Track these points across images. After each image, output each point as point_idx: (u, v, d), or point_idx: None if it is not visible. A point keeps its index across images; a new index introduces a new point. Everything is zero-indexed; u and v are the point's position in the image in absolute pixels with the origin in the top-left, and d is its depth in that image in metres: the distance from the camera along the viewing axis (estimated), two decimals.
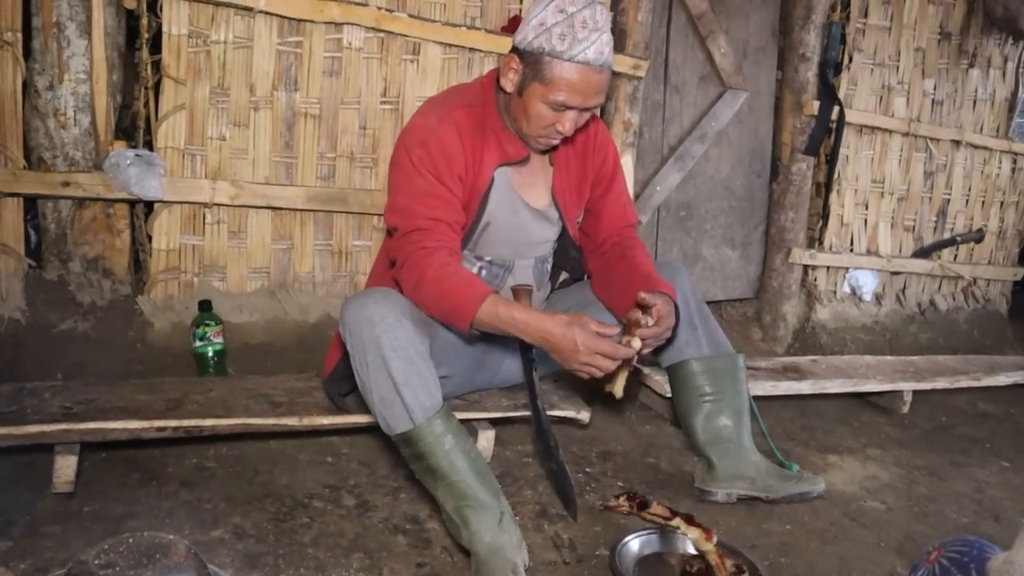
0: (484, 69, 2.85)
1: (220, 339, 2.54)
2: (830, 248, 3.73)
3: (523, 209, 2.07)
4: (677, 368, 2.25)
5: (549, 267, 2.24)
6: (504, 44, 2.83)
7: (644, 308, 1.88)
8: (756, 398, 2.63)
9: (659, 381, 2.65)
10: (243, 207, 2.67)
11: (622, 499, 2.06)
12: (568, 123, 1.88)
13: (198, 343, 2.51)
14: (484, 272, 2.11)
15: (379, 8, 2.68)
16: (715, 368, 2.23)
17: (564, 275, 2.35)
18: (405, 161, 1.91)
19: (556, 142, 1.99)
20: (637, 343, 1.83)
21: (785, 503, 2.20)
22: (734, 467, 2.20)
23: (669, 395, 2.43)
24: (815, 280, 3.74)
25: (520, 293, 2.03)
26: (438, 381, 1.83)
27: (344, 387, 2.12)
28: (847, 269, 3.81)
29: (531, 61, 1.83)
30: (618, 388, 1.95)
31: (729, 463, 2.20)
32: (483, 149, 1.96)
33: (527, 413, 2.24)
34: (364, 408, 2.12)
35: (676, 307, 1.97)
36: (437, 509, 1.96)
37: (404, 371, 1.76)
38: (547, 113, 1.86)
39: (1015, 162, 4.22)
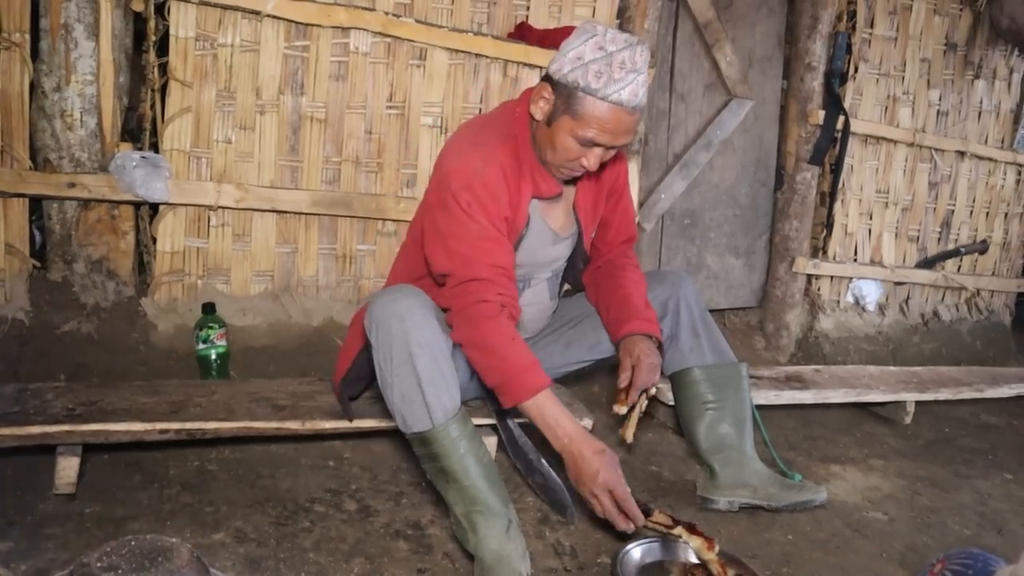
0: (490, 75, 2.86)
1: (223, 342, 2.54)
2: (834, 258, 3.73)
3: (548, 234, 2.07)
4: (680, 376, 2.26)
5: (560, 276, 2.25)
6: (511, 51, 2.84)
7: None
8: (759, 407, 2.63)
9: (662, 389, 2.65)
10: (248, 210, 2.67)
11: None
12: (594, 159, 1.86)
13: (201, 346, 2.51)
14: None
15: (386, 13, 2.68)
16: (718, 376, 2.23)
17: (566, 287, 2.36)
18: (454, 205, 1.85)
19: (578, 175, 1.97)
20: (622, 409, 1.95)
21: (787, 512, 2.19)
22: (736, 475, 2.19)
23: (671, 403, 2.43)
24: (819, 290, 3.74)
25: None
26: (458, 383, 1.83)
27: (355, 389, 2.11)
28: (851, 279, 3.81)
29: (564, 93, 1.80)
30: (628, 433, 2.03)
31: (731, 471, 2.19)
32: (521, 185, 1.93)
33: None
34: (369, 414, 2.12)
35: (655, 336, 2.06)
36: (439, 515, 1.96)
37: (429, 369, 1.76)
38: (574, 147, 1.84)
39: (1020, 173, 4.22)
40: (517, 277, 2.07)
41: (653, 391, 2.05)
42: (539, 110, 1.86)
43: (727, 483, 2.19)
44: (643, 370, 1.98)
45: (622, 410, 1.95)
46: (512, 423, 2.09)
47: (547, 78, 1.85)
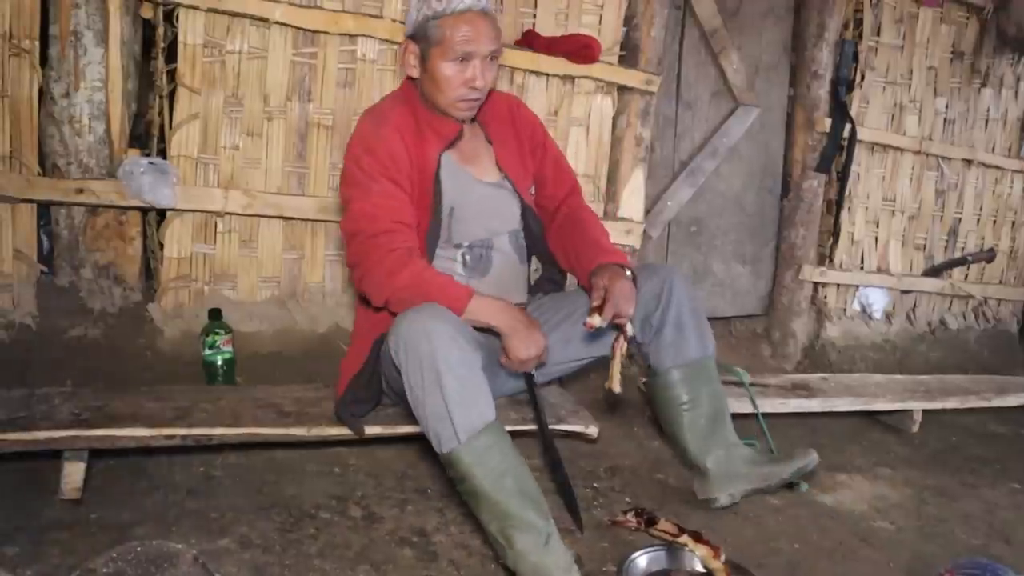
0: (497, 83, 2.86)
1: (229, 348, 2.54)
2: (840, 266, 3.72)
3: (476, 184, 2.11)
4: (656, 379, 2.22)
5: (523, 242, 2.24)
6: (516, 57, 2.85)
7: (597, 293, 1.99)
8: (765, 415, 2.63)
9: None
10: (255, 216, 2.68)
11: (630, 515, 2.04)
12: (478, 73, 1.94)
13: (207, 351, 2.51)
14: (468, 257, 2.11)
15: (393, 20, 2.69)
16: (690, 375, 2.18)
17: (537, 268, 2.34)
18: (356, 171, 1.97)
19: (476, 99, 2.01)
20: (596, 320, 1.93)
21: (786, 488, 2.21)
22: (725, 467, 2.18)
23: None
24: (825, 297, 3.73)
25: None
26: (491, 397, 1.79)
27: (360, 411, 2.09)
28: (857, 287, 3.80)
29: (421, 36, 1.94)
30: (615, 383, 2.01)
31: (719, 465, 2.18)
32: (422, 142, 2.02)
33: (535, 427, 2.23)
34: (375, 421, 2.11)
35: (629, 268, 2.05)
36: (444, 522, 1.96)
37: (456, 388, 1.73)
38: (453, 70, 1.94)
39: None
40: (479, 243, 2.12)
41: (630, 331, 2.01)
42: (412, 67, 2.01)
43: (719, 478, 2.18)
44: (616, 291, 1.94)
45: (595, 320, 1.91)
46: (545, 418, 2.06)
47: (406, 38, 1.99)
